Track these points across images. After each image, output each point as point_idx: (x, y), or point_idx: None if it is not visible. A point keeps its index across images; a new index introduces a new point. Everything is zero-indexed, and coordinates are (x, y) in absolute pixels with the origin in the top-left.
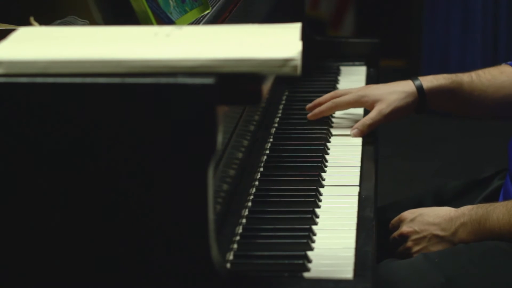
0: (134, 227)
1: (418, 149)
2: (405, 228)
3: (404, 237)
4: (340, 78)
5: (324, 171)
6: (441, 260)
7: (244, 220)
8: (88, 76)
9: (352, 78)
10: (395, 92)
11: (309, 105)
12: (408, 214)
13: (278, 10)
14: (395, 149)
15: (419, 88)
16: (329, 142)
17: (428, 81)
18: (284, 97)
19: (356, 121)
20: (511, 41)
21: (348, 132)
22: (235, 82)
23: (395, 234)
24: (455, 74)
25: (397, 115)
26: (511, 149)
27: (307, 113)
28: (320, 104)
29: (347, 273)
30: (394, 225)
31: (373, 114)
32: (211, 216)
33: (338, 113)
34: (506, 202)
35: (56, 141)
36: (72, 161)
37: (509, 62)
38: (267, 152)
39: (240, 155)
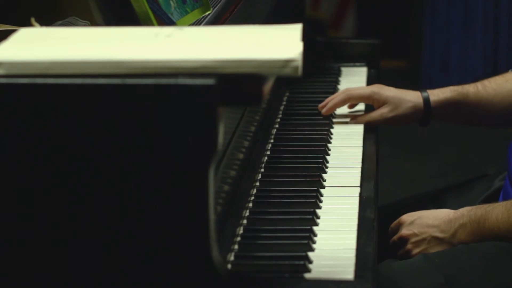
0: (135, 227)
1: (418, 150)
2: (404, 231)
3: (404, 240)
4: (340, 79)
5: (325, 172)
6: (441, 260)
7: (244, 221)
8: (88, 77)
9: (353, 79)
10: (404, 100)
11: (321, 104)
12: (407, 217)
13: (279, 11)
14: (396, 150)
15: (426, 101)
16: (330, 143)
17: (435, 94)
18: (285, 98)
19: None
20: None
21: (349, 132)
22: (236, 83)
23: (395, 237)
24: (461, 86)
25: (399, 122)
26: (511, 152)
27: (308, 114)
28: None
29: (348, 274)
30: (393, 229)
31: (374, 114)
32: (212, 216)
33: (339, 112)
34: (505, 202)
35: (57, 141)
36: (72, 161)
37: None
38: (268, 153)
39: (241, 155)
